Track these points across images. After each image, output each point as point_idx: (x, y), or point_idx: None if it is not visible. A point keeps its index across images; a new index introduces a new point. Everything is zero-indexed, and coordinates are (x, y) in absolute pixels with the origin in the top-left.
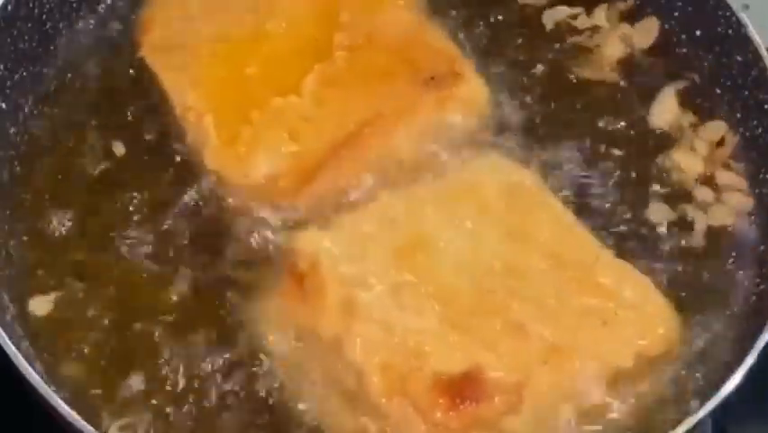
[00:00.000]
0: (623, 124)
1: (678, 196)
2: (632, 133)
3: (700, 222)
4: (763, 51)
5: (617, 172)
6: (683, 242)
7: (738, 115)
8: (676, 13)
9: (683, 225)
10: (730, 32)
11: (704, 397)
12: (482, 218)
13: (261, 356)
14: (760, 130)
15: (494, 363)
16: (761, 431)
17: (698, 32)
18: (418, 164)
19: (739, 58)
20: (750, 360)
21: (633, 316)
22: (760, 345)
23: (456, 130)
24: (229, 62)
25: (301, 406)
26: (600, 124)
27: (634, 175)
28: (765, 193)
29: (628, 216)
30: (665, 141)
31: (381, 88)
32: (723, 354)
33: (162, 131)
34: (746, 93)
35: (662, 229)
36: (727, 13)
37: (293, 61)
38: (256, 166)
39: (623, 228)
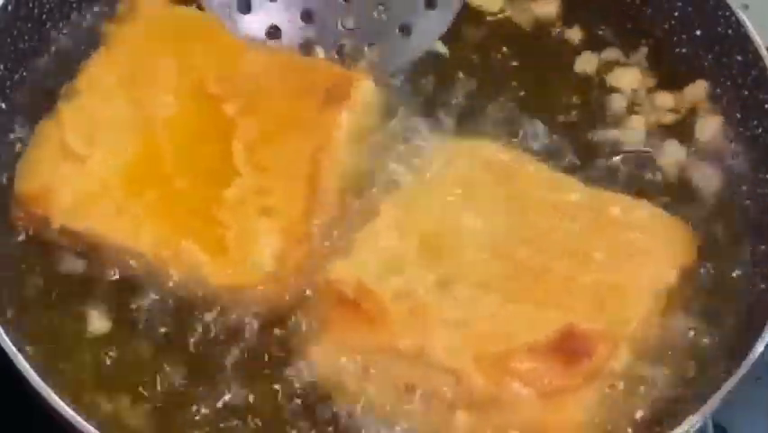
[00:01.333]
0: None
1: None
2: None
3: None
4: (763, 51)
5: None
6: None
7: (738, 115)
8: (676, 13)
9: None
10: (730, 32)
11: (704, 397)
12: (480, 198)
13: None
14: (760, 130)
15: (574, 317)
16: (761, 431)
17: (698, 32)
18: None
19: (739, 58)
20: (750, 360)
21: (654, 237)
22: (760, 345)
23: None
24: (151, 187)
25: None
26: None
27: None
28: (765, 193)
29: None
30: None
31: (298, 125)
32: (723, 353)
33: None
34: (746, 93)
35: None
36: (727, 13)
37: (207, 152)
38: (261, 259)
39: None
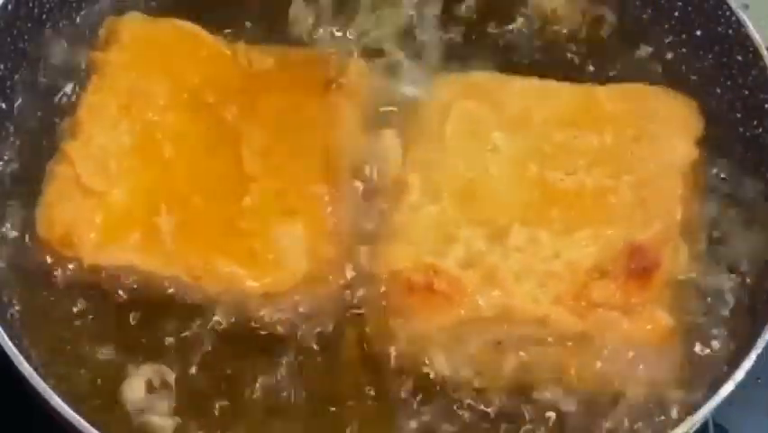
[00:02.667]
0: None
1: None
2: None
3: None
4: (763, 51)
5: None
6: None
7: (738, 115)
8: (676, 13)
9: None
10: (730, 32)
11: (704, 397)
12: (490, 135)
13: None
14: (760, 130)
15: (628, 228)
16: (761, 431)
17: (698, 32)
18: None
19: (739, 58)
20: (750, 360)
21: (661, 116)
22: (760, 345)
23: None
24: (172, 210)
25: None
26: None
27: None
28: (765, 192)
29: None
30: None
31: (302, 119)
32: (723, 354)
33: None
34: (746, 93)
35: None
36: (727, 13)
37: (218, 164)
38: (294, 260)
39: None
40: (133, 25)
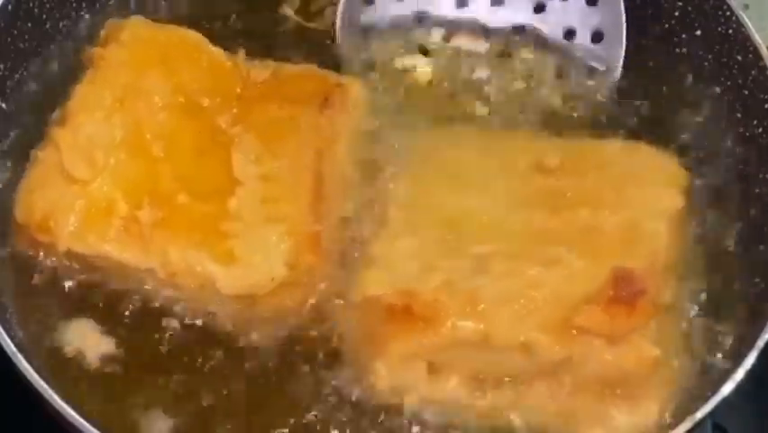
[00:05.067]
0: None
1: None
2: None
3: None
4: (763, 51)
5: None
6: None
7: (738, 115)
8: (676, 13)
9: None
10: (730, 32)
11: (704, 397)
12: (475, 176)
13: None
14: (760, 130)
15: (612, 262)
16: (761, 431)
17: (698, 32)
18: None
19: (739, 58)
20: (750, 360)
21: (647, 169)
22: (760, 345)
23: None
24: (155, 205)
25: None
26: None
27: None
28: (765, 193)
29: None
30: None
31: (296, 131)
32: (723, 353)
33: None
34: (746, 93)
35: None
36: (727, 13)
37: (206, 165)
38: (272, 265)
39: None
40: (135, 27)
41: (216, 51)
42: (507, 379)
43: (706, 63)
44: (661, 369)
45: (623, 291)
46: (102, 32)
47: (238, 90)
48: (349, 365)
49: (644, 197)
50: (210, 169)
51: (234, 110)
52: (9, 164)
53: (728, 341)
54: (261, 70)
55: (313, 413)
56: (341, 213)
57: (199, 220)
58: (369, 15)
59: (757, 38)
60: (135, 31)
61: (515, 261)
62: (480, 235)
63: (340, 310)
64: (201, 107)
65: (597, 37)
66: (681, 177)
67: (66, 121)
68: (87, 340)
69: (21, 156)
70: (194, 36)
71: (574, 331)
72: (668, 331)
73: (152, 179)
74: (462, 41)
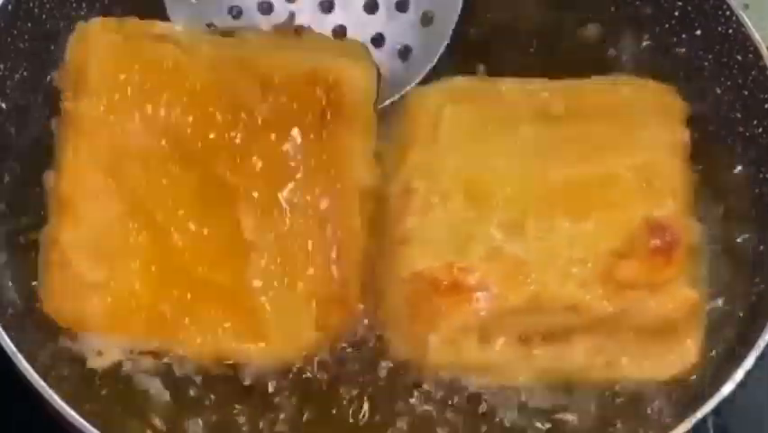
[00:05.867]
0: None
1: None
2: None
3: None
4: (763, 51)
5: None
6: None
7: (738, 115)
8: (676, 13)
9: None
10: (730, 32)
11: (704, 397)
12: (477, 134)
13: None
14: (760, 130)
15: (641, 208)
16: (761, 431)
17: (698, 32)
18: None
19: (739, 58)
20: (750, 360)
21: (648, 103)
22: (760, 345)
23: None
24: (174, 284)
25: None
26: None
27: None
28: (765, 193)
29: None
30: None
31: (298, 162)
32: (723, 353)
33: None
34: (746, 93)
35: None
36: (727, 13)
37: (215, 229)
38: (304, 333)
39: None
40: (102, 53)
41: (197, 65)
42: (554, 336)
43: (706, 63)
44: (697, 310)
45: (659, 242)
46: (67, 56)
47: (230, 121)
48: (399, 345)
49: (654, 135)
50: (220, 230)
51: (230, 151)
52: None
53: (729, 341)
54: (253, 87)
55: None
56: (362, 245)
57: (221, 296)
58: None
59: (757, 38)
60: (103, 60)
61: (545, 219)
62: (503, 197)
63: (384, 291)
64: (194, 151)
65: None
66: (683, 109)
67: (64, 212)
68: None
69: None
70: (172, 51)
71: (616, 286)
72: (696, 271)
73: (165, 255)
74: None
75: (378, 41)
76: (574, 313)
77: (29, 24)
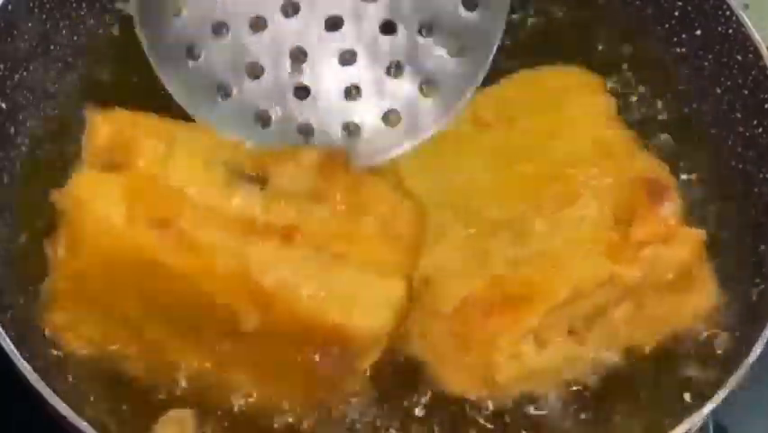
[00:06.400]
0: None
1: None
2: None
3: None
4: (763, 51)
5: None
6: None
7: (738, 115)
8: (676, 13)
9: None
10: (730, 32)
11: (704, 397)
12: (431, 156)
13: None
14: (760, 130)
15: (614, 171)
16: (761, 431)
17: (698, 32)
18: None
19: (739, 58)
20: (750, 360)
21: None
22: (760, 344)
23: None
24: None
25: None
26: None
27: None
28: (765, 193)
29: None
30: None
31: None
32: (723, 353)
33: None
34: (746, 93)
35: None
36: (727, 13)
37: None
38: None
39: None
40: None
41: (175, 261)
42: (595, 318)
43: (706, 63)
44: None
45: (655, 192)
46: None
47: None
48: (454, 382)
49: (588, 111)
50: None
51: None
52: None
53: (729, 341)
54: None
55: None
56: None
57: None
58: None
59: (757, 38)
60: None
61: (537, 217)
62: (489, 207)
63: (427, 327)
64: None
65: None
66: (602, 83)
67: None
68: None
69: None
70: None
71: (634, 248)
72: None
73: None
74: None
75: (395, 69)
76: (610, 287)
77: (29, 24)
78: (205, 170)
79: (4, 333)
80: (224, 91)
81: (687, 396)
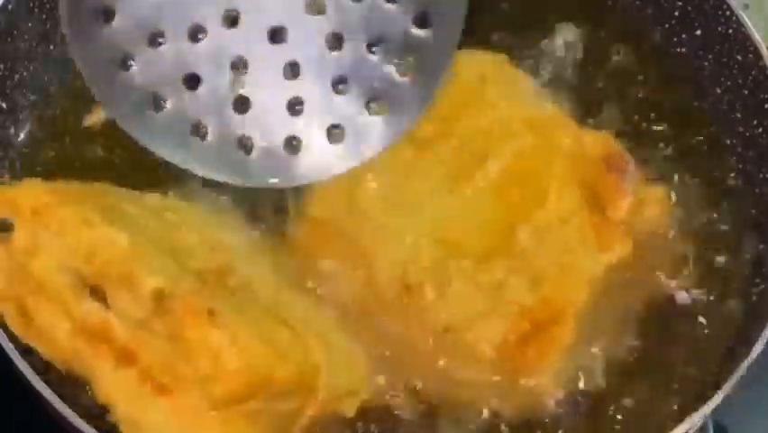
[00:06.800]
0: None
1: None
2: None
3: None
4: (763, 51)
5: None
6: None
7: (738, 115)
8: (676, 13)
9: None
10: (730, 32)
11: (704, 397)
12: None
13: None
14: (760, 130)
15: (570, 160)
16: (761, 431)
17: (698, 32)
18: None
19: (739, 58)
20: (750, 359)
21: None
22: (760, 344)
23: None
24: None
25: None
26: None
27: None
28: (765, 193)
29: None
30: None
31: None
32: (723, 353)
33: None
34: (746, 93)
35: None
36: (727, 13)
37: None
38: None
39: None
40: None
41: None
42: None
43: (706, 63)
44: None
45: (620, 168)
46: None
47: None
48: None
49: (510, 94)
50: None
51: None
52: None
53: (729, 341)
54: None
55: None
56: None
57: None
58: None
59: (757, 38)
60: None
61: (519, 229)
62: (472, 236)
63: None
64: None
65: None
66: (510, 61)
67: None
68: None
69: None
70: None
71: (622, 223)
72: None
73: None
74: None
75: (340, 83)
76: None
77: (29, 24)
78: (58, 272)
79: (3, 333)
80: (159, 103)
81: (686, 396)
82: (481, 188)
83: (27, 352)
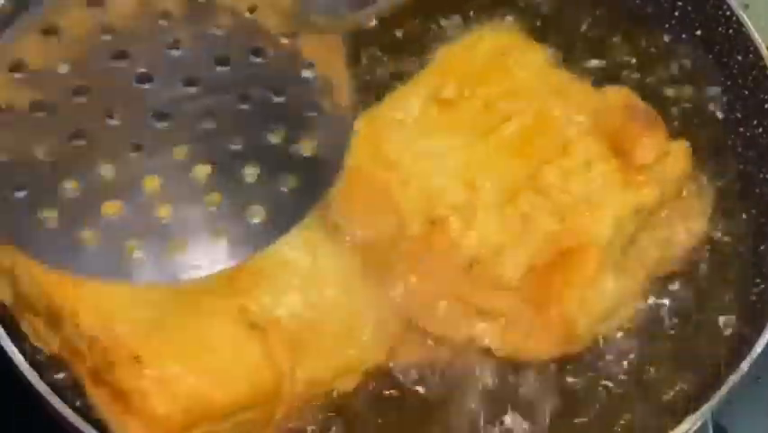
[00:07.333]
0: None
1: None
2: None
3: None
4: (763, 51)
5: None
6: None
7: (738, 115)
8: (676, 13)
9: None
10: (730, 32)
11: (704, 397)
12: (417, 137)
13: None
14: (760, 130)
15: (593, 113)
16: (761, 431)
17: (698, 32)
18: None
19: (739, 58)
20: (750, 359)
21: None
22: (760, 344)
23: None
24: None
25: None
26: None
27: None
28: (765, 193)
29: None
30: None
31: None
32: (723, 353)
33: None
34: (746, 93)
35: None
36: (727, 13)
37: None
38: None
39: None
40: None
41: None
42: (629, 248)
43: (706, 63)
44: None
45: (643, 118)
46: None
47: None
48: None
49: (530, 63)
50: None
51: None
52: None
53: (728, 341)
54: None
55: None
56: None
57: None
58: None
59: (757, 38)
60: None
61: (546, 171)
62: (497, 177)
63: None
64: None
65: None
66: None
67: None
68: None
69: None
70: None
71: (640, 170)
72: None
73: None
74: None
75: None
76: (637, 214)
77: None
78: None
79: (4, 333)
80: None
81: (686, 397)
82: (506, 139)
83: (27, 352)
